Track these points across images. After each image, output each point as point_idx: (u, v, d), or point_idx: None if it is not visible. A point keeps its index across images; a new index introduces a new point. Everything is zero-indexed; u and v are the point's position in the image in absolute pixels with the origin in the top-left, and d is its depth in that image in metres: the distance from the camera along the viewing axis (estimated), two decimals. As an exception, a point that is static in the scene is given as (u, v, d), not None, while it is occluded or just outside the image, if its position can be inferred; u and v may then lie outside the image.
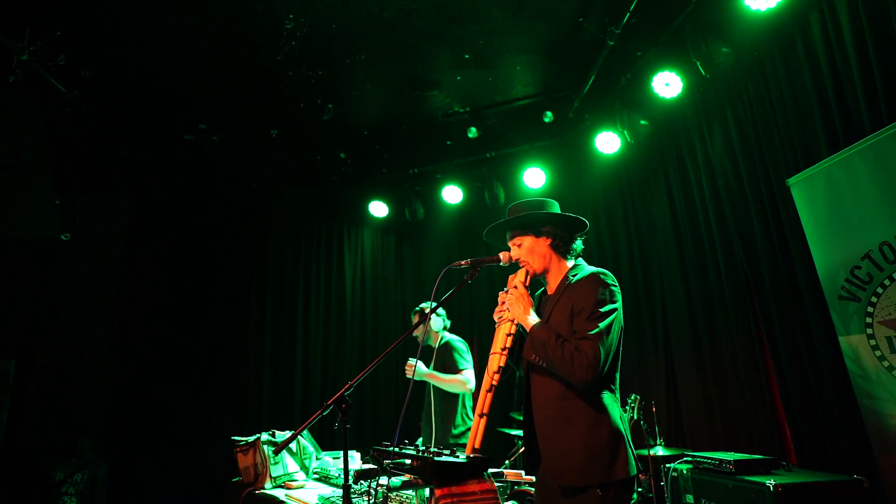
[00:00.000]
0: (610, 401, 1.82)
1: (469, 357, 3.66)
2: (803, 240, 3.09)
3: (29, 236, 3.91)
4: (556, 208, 2.07)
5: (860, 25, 2.85)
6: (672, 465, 3.09)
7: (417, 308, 4.01)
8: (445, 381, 3.50)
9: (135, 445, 5.06)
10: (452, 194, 5.51)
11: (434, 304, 2.05)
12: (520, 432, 3.86)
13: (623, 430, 1.80)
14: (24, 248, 5.04)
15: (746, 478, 2.60)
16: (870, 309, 2.69)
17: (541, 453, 1.87)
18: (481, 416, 1.81)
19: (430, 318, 2.14)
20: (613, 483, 1.71)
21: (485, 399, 1.83)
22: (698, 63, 3.56)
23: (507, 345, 1.91)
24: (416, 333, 3.74)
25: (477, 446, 1.75)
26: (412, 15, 3.69)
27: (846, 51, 2.94)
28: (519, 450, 4.02)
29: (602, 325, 1.77)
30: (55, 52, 3.51)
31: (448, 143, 5.37)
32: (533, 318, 1.89)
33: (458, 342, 3.71)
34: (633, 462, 1.77)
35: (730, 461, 2.72)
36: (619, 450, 1.75)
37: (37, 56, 3.38)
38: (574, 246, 2.06)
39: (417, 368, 3.41)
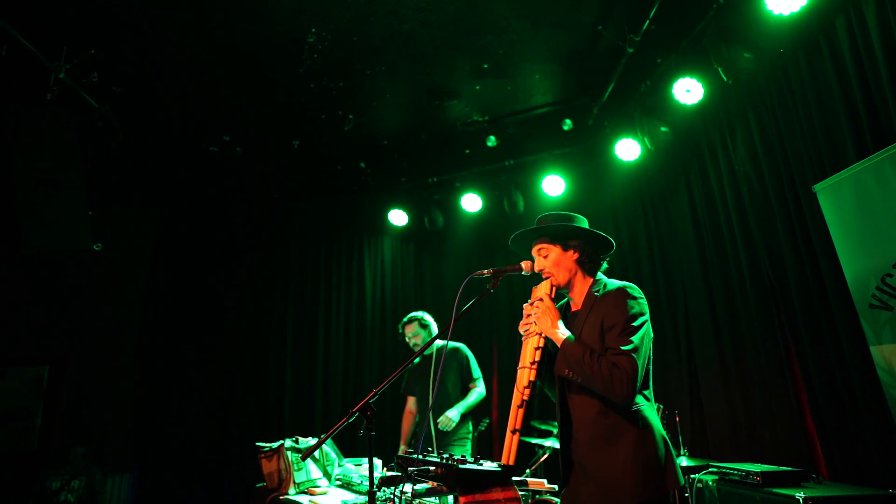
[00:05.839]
0: (650, 411, 1.81)
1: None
2: (830, 247, 3.02)
3: (63, 248, 4.06)
4: (584, 224, 2.05)
5: (889, 28, 2.80)
6: (697, 476, 3.03)
7: (406, 318, 4.02)
8: (473, 401, 3.79)
9: (160, 452, 5.15)
10: (472, 203, 5.54)
11: (455, 315, 2.05)
12: (541, 441, 3.84)
13: (668, 440, 1.79)
14: (57, 261, 5.22)
15: (775, 490, 2.54)
16: (902, 317, 2.62)
17: (580, 471, 1.83)
18: (514, 432, 1.77)
19: (451, 328, 2.14)
20: (662, 497, 1.70)
21: (516, 415, 1.80)
22: (720, 69, 3.52)
23: (537, 359, 1.88)
24: (417, 342, 3.93)
25: (511, 463, 1.73)
26: (431, 27, 3.75)
27: (874, 54, 2.89)
28: (540, 459, 3.99)
29: (635, 338, 1.76)
30: (89, 70, 3.66)
31: (467, 151, 5.41)
32: (563, 332, 1.86)
33: (467, 349, 3.89)
34: (680, 472, 1.76)
35: (757, 473, 2.66)
36: (669, 462, 1.74)
37: (72, 74, 3.53)
38: (599, 266, 2.05)
39: (449, 417, 3.65)
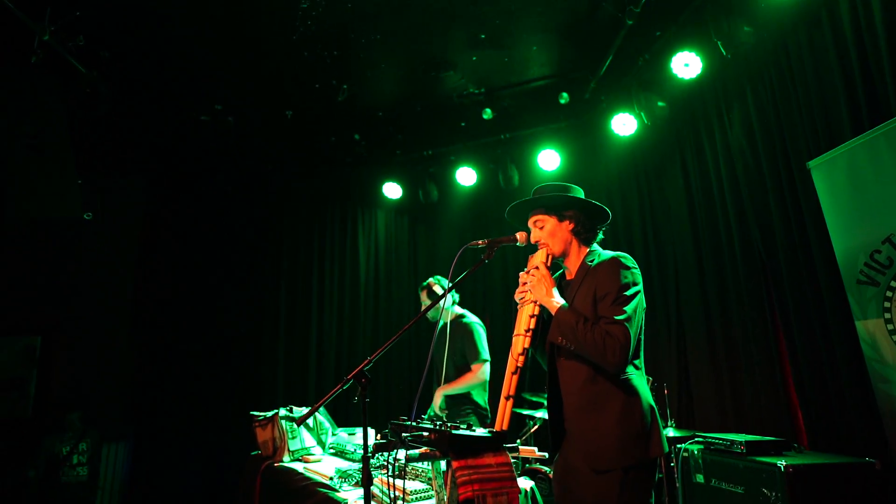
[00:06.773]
0: (639, 380, 1.84)
1: (487, 344, 3.66)
2: (821, 223, 3.05)
3: (52, 216, 4.00)
4: (580, 194, 2.04)
5: (892, 1, 2.77)
6: (684, 445, 3.12)
7: (425, 283, 3.88)
8: (462, 385, 3.52)
9: (155, 421, 5.21)
10: (466, 176, 5.50)
11: (449, 284, 2.07)
12: (532, 412, 3.91)
13: (655, 408, 1.83)
14: (48, 229, 5.16)
15: (757, 458, 2.63)
16: (888, 293, 2.67)
17: (570, 437, 1.87)
18: (508, 398, 1.81)
19: (444, 298, 2.16)
20: (645, 462, 1.74)
21: (510, 381, 1.84)
22: (719, 43, 3.48)
23: (531, 326, 1.90)
24: (430, 313, 3.72)
25: (505, 428, 1.77)
26: (428, -6, 3.66)
27: (875, 29, 2.86)
28: (531, 429, 4.08)
29: (628, 308, 1.78)
30: (74, 34, 3.54)
31: (462, 124, 5.34)
32: (557, 300, 1.88)
33: (478, 325, 3.69)
34: (665, 440, 1.80)
35: (741, 442, 2.74)
36: (654, 429, 1.79)
37: (57, 37, 3.42)
38: (595, 235, 2.05)
39: (439, 402, 3.49)
